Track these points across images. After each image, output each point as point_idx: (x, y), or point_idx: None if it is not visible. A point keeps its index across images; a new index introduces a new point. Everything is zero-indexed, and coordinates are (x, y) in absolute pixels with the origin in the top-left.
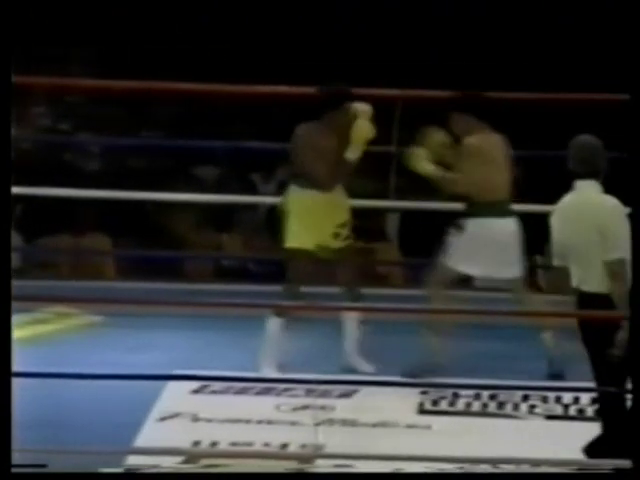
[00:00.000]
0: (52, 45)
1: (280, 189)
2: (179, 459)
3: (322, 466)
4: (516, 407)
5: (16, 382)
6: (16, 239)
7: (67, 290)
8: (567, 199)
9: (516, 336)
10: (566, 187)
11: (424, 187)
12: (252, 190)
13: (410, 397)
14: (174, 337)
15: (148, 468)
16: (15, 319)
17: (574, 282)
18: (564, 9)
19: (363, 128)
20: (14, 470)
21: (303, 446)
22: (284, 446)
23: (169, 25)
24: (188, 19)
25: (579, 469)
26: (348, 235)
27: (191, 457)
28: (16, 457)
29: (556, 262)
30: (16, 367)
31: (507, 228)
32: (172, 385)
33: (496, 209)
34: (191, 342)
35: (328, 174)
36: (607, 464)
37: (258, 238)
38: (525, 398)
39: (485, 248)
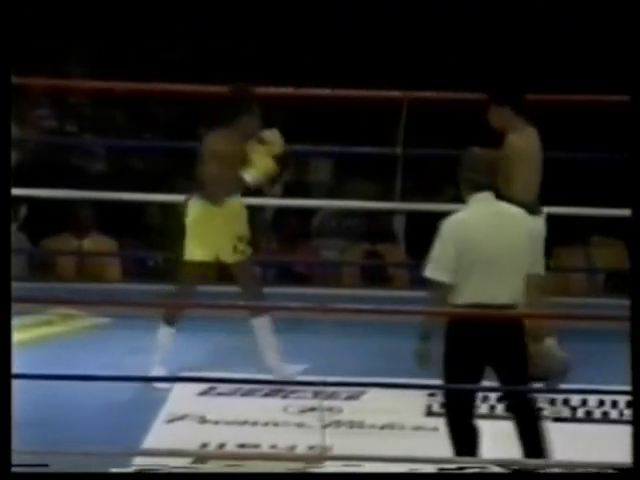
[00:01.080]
0: (54, 45)
1: (286, 190)
2: (187, 461)
3: (329, 468)
4: None
5: (21, 384)
6: (22, 240)
7: (72, 292)
8: (473, 211)
9: None
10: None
11: (430, 189)
12: (257, 192)
13: (417, 399)
14: (180, 339)
15: (155, 469)
16: (20, 321)
17: (471, 297)
18: (564, 9)
19: (267, 160)
20: (15, 470)
21: (310, 448)
22: (291, 448)
23: (169, 25)
24: (188, 19)
25: (579, 469)
26: (244, 249)
27: (199, 459)
28: (21, 458)
29: (447, 276)
30: (21, 369)
31: (538, 227)
32: (179, 387)
33: (529, 209)
34: (197, 344)
35: (223, 188)
36: (607, 464)
37: (264, 240)
38: None
39: None
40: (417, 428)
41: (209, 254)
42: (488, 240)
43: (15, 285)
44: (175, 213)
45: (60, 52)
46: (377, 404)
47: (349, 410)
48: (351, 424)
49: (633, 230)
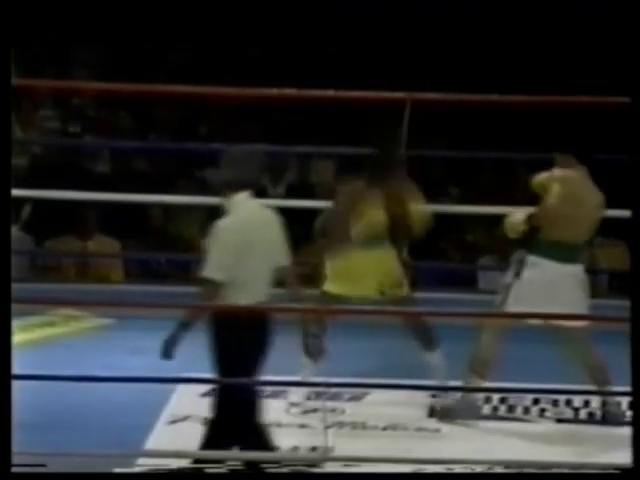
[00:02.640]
0: (58, 47)
1: (289, 192)
2: (189, 462)
3: (332, 469)
4: (526, 410)
5: (24, 385)
6: (26, 241)
7: (76, 293)
8: (245, 213)
9: (529, 339)
10: None
11: (433, 190)
12: (261, 193)
13: (420, 400)
14: (183, 340)
15: (158, 470)
16: (24, 322)
17: (239, 298)
18: (564, 11)
19: (376, 215)
20: (15, 470)
21: (313, 449)
22: (294, 449)
23: (173, 28)
24: (191, 22)
25: (581, 470)
26: (392, 285)
27: (201, 459)
28: (23, 459)
29: (222, 276)
30: (24, 370)
31: (569, 275)
32: (182, 388)
33: (561, 252)
34: (200, 345)
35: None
36: (608, 464)
37: None
38: (535, 401)
39: (544, 294)
40: (420, 429)
41: (352, 290)
42: (260, 240)
43: (18, 286)
44: (179, 214)
45: (65, 54)
46: (380, 405)
47: (352, 411)
48: (354, 425)
49: (633, 231)
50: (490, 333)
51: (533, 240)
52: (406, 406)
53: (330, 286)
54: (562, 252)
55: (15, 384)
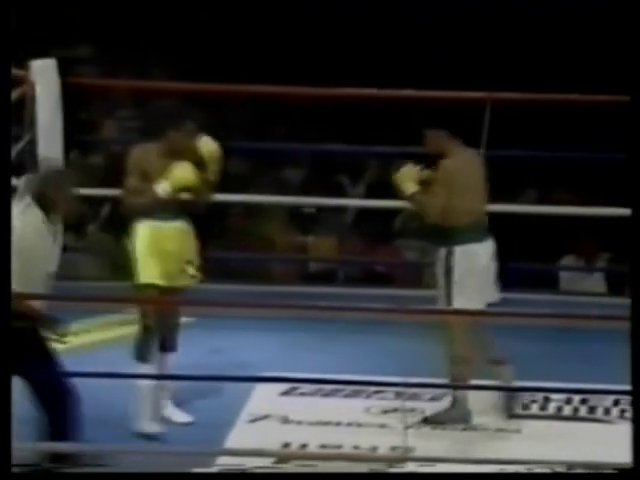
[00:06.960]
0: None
1: (369, 191)
2: (269, 461)
3: (411, 469)
4: (607, 412)
5: (96, 383)
6: (105, 240)
7: None
8: None
9: (603, 339)
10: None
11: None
12: (340, 192)
13: (498, 400)
14: (262, 339)
15: (238, 469)
16: (101, 320)
17: None
18: (565, 10)
19: (182, 171)
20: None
21: (392, 449)
22: (373, 449)
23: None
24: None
25: (580, 469)
26: (193, 274)
27: (281, 459)
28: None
29: None
30: (97, 368)
31: (488, 251)
32: (261, 387)
33: (476, 233)
34: (279, 344)
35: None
36: (608, 464)
37: (346, 241)
38: (616, 403)
39: (477, 276)
40: (499, 430)
41: (161, 276)
42: None
43: (97, 284)
44: (258, 214)
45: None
46: None
47: (432, 411)
48: (433, 425)
49: (633, 229)
50: (458, 332)
51: (447, 233)
52: (486, 406)
53: (146, 277)
54: (478, 232)
55: (93, 382)
